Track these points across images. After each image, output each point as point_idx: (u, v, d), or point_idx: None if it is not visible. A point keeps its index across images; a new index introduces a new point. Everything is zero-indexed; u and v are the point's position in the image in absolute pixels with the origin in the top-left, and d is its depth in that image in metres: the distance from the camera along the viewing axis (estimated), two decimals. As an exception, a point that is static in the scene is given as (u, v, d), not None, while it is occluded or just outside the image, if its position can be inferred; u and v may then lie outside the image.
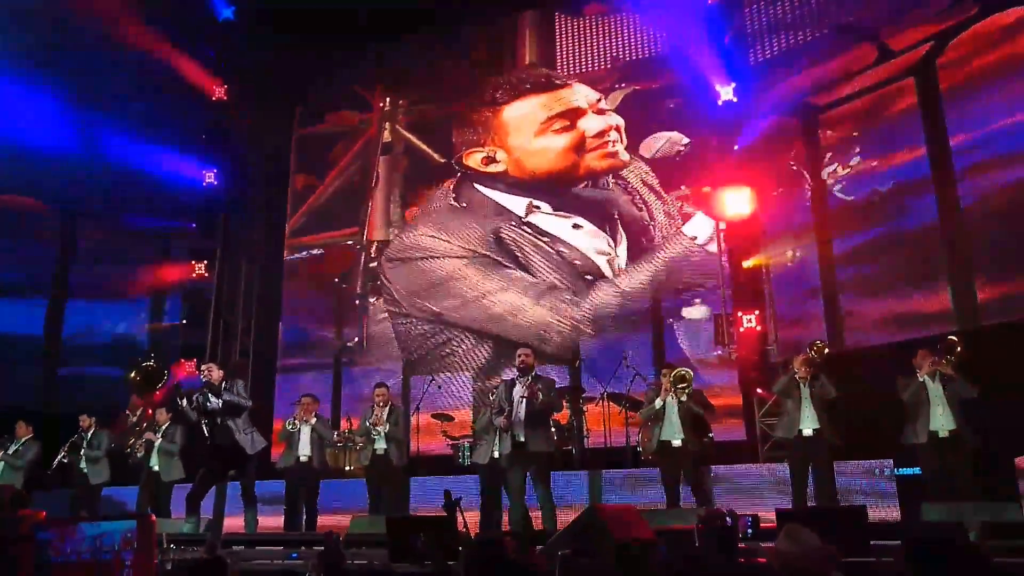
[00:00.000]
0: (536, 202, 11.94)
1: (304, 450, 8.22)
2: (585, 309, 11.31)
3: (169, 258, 13.40)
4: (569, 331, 11.32)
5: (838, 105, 10.30)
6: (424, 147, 13.17)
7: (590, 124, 11.84)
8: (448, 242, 12.25)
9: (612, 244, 11.46)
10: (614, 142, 11.68)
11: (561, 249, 11.65)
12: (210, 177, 12.80)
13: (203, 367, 7.77)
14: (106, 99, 11.76)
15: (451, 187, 12.60)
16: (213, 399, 7.32)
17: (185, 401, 7.38)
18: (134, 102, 12.03)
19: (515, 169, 12.23)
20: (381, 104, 13.77)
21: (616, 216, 11.51)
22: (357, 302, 12.94)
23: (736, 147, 10.59)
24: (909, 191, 9.55)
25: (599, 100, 11.89)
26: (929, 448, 6.77)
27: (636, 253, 11.31)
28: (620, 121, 11.75)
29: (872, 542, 4.98)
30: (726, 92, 10.71)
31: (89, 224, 13.58)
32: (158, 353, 12.21)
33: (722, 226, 10.57)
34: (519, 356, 7.18)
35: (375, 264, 12.90)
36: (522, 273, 11.72)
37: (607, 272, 11.37)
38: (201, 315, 12.43)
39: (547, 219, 11.87)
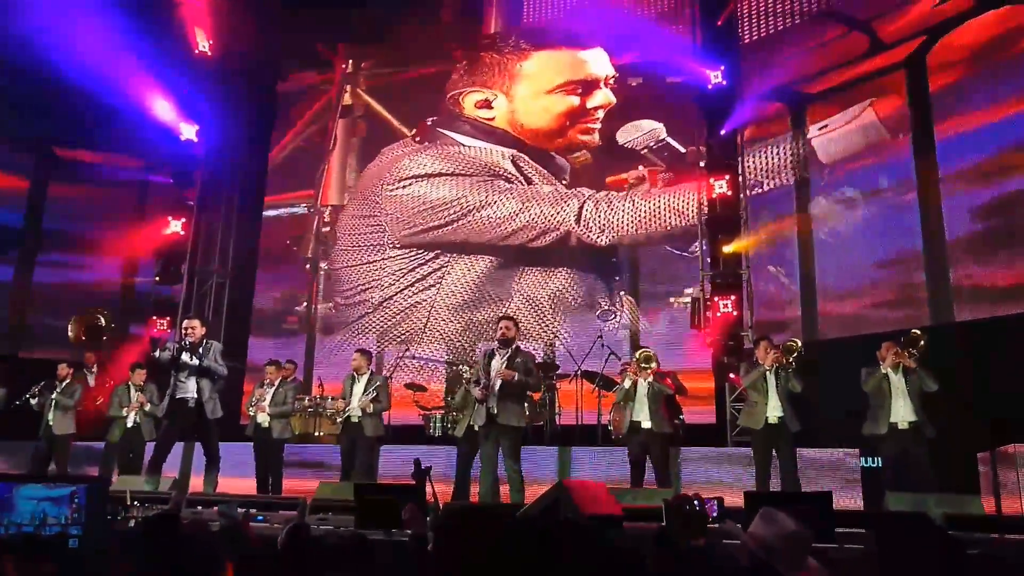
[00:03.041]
0: (520, 154, 11.83)
1: (262, 417, 8.23)
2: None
3: (144, 212, 13.13)
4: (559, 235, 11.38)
5: (828, 95, 10.29)
6: (384, 112, 13.09)
7: (595, 97, 11.66)
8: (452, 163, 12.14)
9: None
10: (598, 119, 11.61)
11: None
12: (190, 132, 12.48)
13: (186, 324, 7.60)
14: (97, 33, 11.29)
15: (414, 136, 12.47)
16: (191, 358, 7.20)
17: (159, 352, 7.27)
18: (123, 39, 11.60)
19: (505, 119, 12.05)
20: (343, 66, 13.65)
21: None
22: (308, 266, 12.94)
23: (723, 131, 10.52)
24: (892, 185, 9.59)
25: (612, 77, 11.66)
26: (889, 439, 6.92)
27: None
28: (612, 100, 11.64)
29: (836, 530, 5.03)
30: (715, 76, 10.62)
31: (63, 172, 13.24)
32: (130, 308, 12.09)
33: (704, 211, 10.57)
34: (500, 328, 7.14)
35: (327, 229, 12.92)
36: (520, 186, 11.70)
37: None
38: (174, 272, 12.19)
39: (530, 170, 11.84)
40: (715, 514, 5.38)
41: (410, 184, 12.26)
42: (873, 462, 7.84)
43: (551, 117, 11.79)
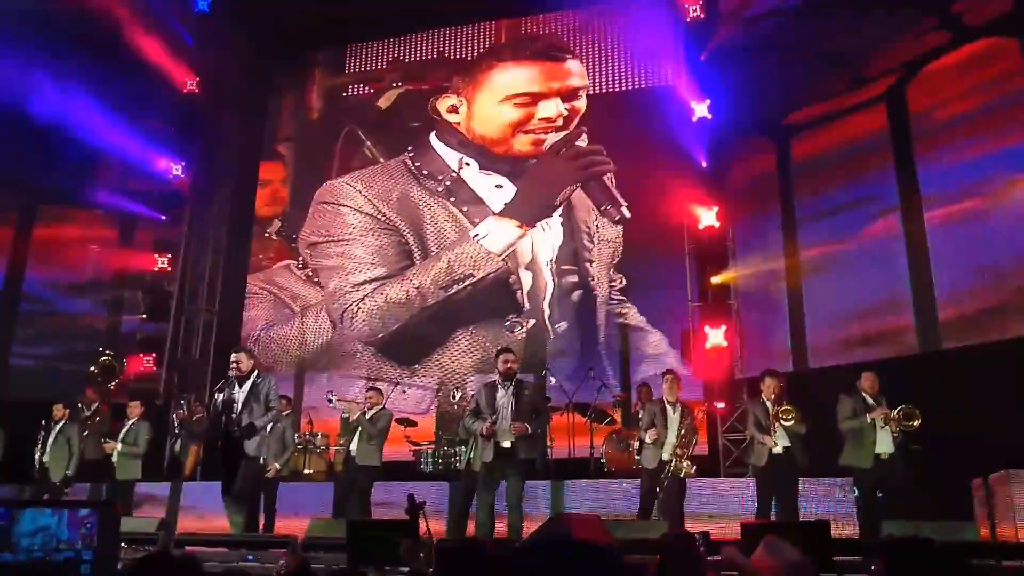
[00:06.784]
0: (467, 159, 12.02)
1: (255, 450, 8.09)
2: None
3: (131, 248, 13.03)
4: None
5: (810, 127, 10.46)
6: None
7: (547, 107, 11.75)
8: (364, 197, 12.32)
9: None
10: (554, 129, 11.60)
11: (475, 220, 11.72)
12: (177, 170, 12.51)
13: (232, 357, 7.14)
14: (80, 74, 11.34)
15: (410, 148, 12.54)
16: (235, 391, 6.98)
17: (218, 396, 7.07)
18: (108, 81, 11.67)
19: (465, 123, 12.22)
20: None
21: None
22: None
23: (704, 163, 10.62)
24: (876, 215, 9.71)
25: (582, 88, 11.84)
26: (874, 470, 6.91)
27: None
28: (582, 107, 11.71)
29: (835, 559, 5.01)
30: (700, 109, 10.74)
31: (50, 208, 13.15)
32: (116, 345, 11.96)
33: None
34: (503, 361, 7.02)
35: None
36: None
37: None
38: (162, 308, 12.11)
39: (474, 176, 11.98)
40: (702, 548, 5.37)
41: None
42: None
43: (497, 125, 11.90)
